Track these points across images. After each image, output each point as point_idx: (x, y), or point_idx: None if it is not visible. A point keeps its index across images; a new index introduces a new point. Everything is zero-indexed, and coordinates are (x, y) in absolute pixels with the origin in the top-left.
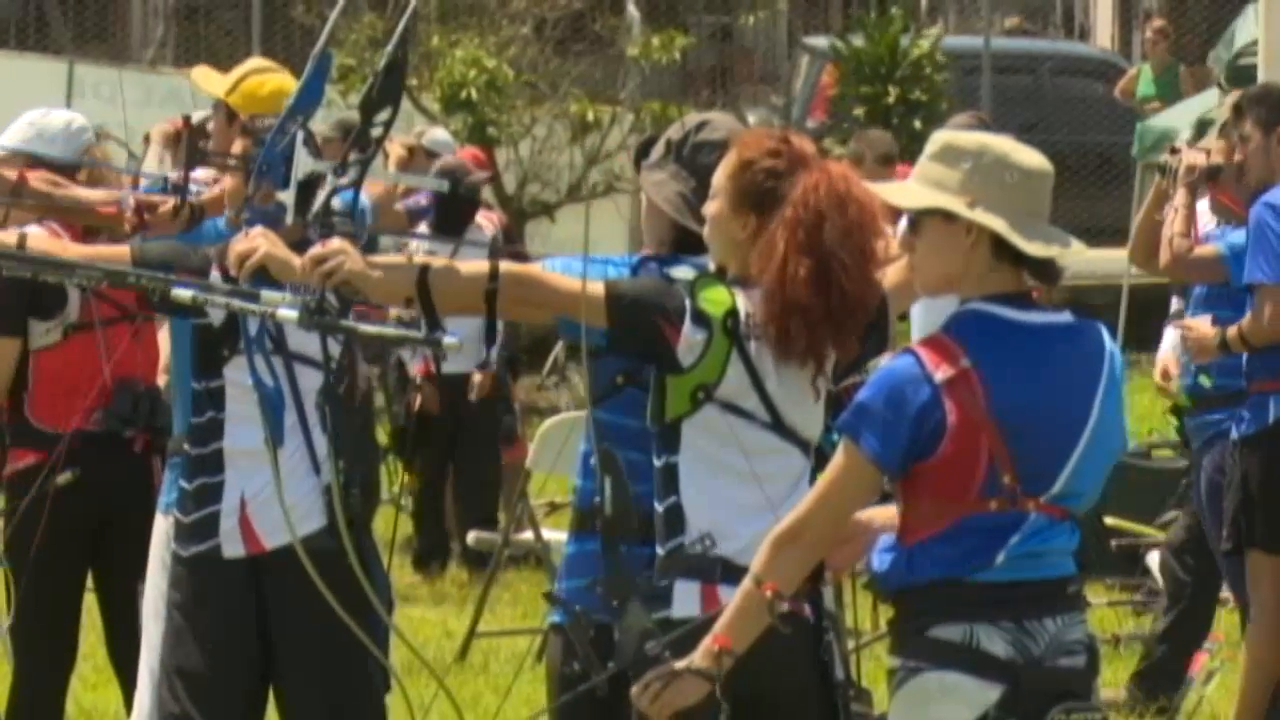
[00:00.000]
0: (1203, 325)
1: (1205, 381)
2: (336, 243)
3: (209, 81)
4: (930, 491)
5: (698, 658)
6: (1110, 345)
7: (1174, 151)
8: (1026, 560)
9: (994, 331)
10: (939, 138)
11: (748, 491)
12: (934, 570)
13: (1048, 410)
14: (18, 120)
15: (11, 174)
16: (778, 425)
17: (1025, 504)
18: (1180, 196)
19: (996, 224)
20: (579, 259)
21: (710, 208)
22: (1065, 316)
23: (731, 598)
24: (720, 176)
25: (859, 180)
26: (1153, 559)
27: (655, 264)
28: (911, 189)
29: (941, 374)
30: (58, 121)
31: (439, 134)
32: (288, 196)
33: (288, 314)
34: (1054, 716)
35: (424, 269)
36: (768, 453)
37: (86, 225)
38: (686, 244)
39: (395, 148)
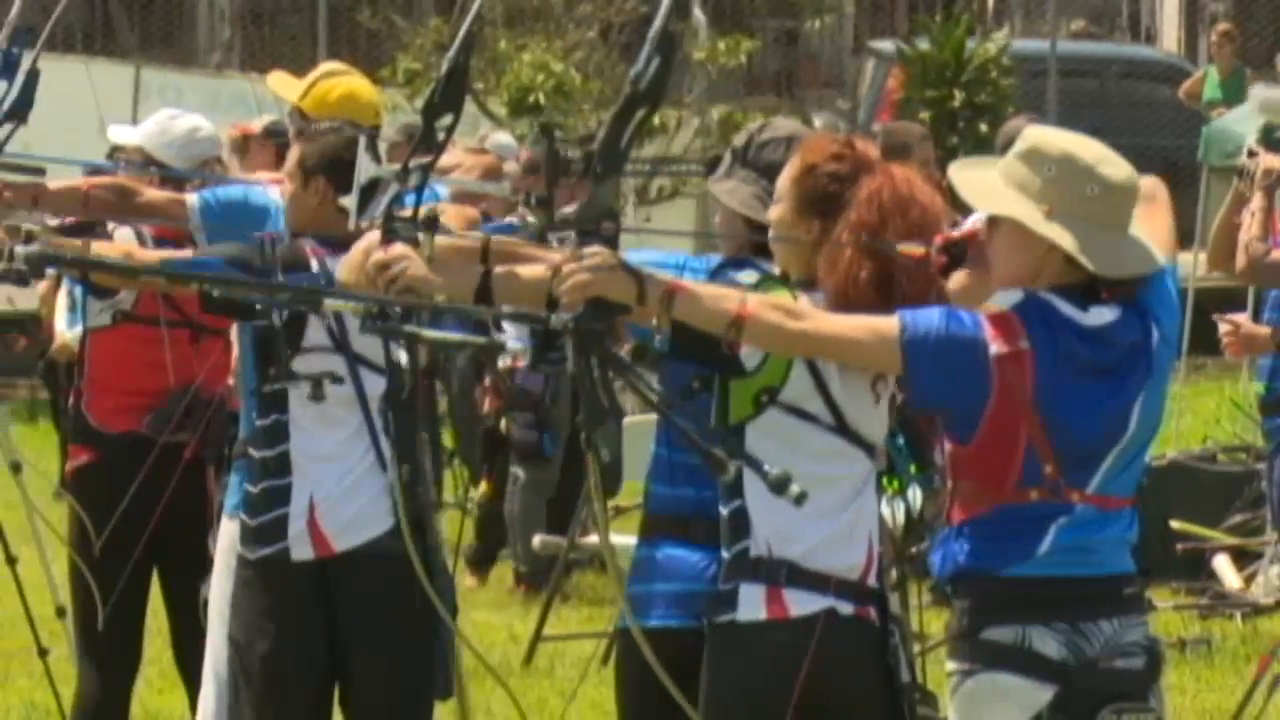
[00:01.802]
0: (1247, 321)
1: (1259, 389)
2: (399, 248)
3: (284, 87)
4: (969, 475)
5: (648, 275)
6: (1155, 335)
7: (1251, 154)
8: (1074, 554)
9: (1053, 325)
10: (1029, 136)
11: (812, 494)
12: (982, 559)
13: (1095, 406)
14: (156, 114)
15: (83, 184)
16: (842, 428)
17: (1069, 495)
18: (1257, 200)
19: (1066, 242)
20: (648, 253)
21: (774, 212)
22: (1115, 313)
23: (797, 601)
24: (784, 181)
25: (922, 183)
26: (1219, 563)
27: (733, 268)
28: (992, 189)
29: (997, 347)
30: (182, 126)
31: (502, 138)
32: (350, 201)
33: (338, 303)
34: (1104, 717)
35: (486, 273)
36: (832, 456)
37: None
38: (764, 245)
39: (457, 152)
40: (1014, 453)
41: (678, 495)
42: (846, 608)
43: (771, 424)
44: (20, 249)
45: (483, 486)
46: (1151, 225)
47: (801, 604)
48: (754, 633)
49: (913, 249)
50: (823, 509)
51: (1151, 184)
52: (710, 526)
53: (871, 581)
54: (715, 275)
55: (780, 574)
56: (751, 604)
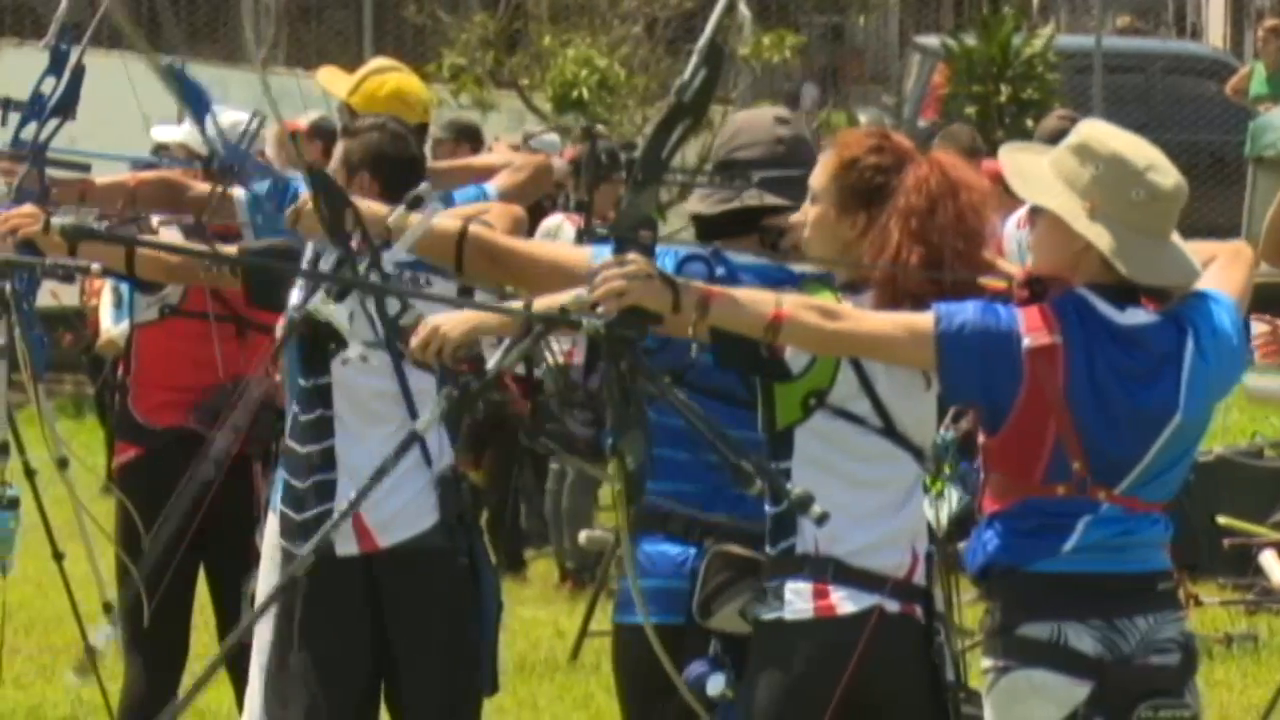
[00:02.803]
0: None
1: None
2: (430, 322)
3: (333, 83)
4: (998, 467)
5: (683, 283)
6: (1190, 348)
7: None
8: (1104, 552)
9: (1088, 322)
10: (1083, 129)
11: (860, 497)
12: (1009, 553)
13: (1126, 405)
14: None
15: (130, 179)
16: (890, 431)
17: (1095, 493)
18: None
19: (1103, 243)
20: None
21: (811, 212)
22: (1153, 316)
23: (845, 599)
24: (821, 179)
25: (967, 167)
26: (1266, 558)
27: (701, 262)
28: (1040, 178)
29: (1031, 339)
30: (223, 122)
31: (546, 136)
32: (356, 353)
33: (427, 419)
34: (1141, 713)
35: (528, 308)
36: (880, 458)
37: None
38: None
39: (500, 147)
40: (1042, 446)
41: (657, 488)
42: (893, 605)
43: (819, 427)
44: (56, 221)
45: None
46: (1227, 274)
47: (849, 601)
48: (801, 630)
49: (994, 283)
50: (870, 511)
51: (1238, 246)
52: (688, 521)
53: (917, 579)
54: (684, 265)
55: (827, 571)
56: (799, 601)
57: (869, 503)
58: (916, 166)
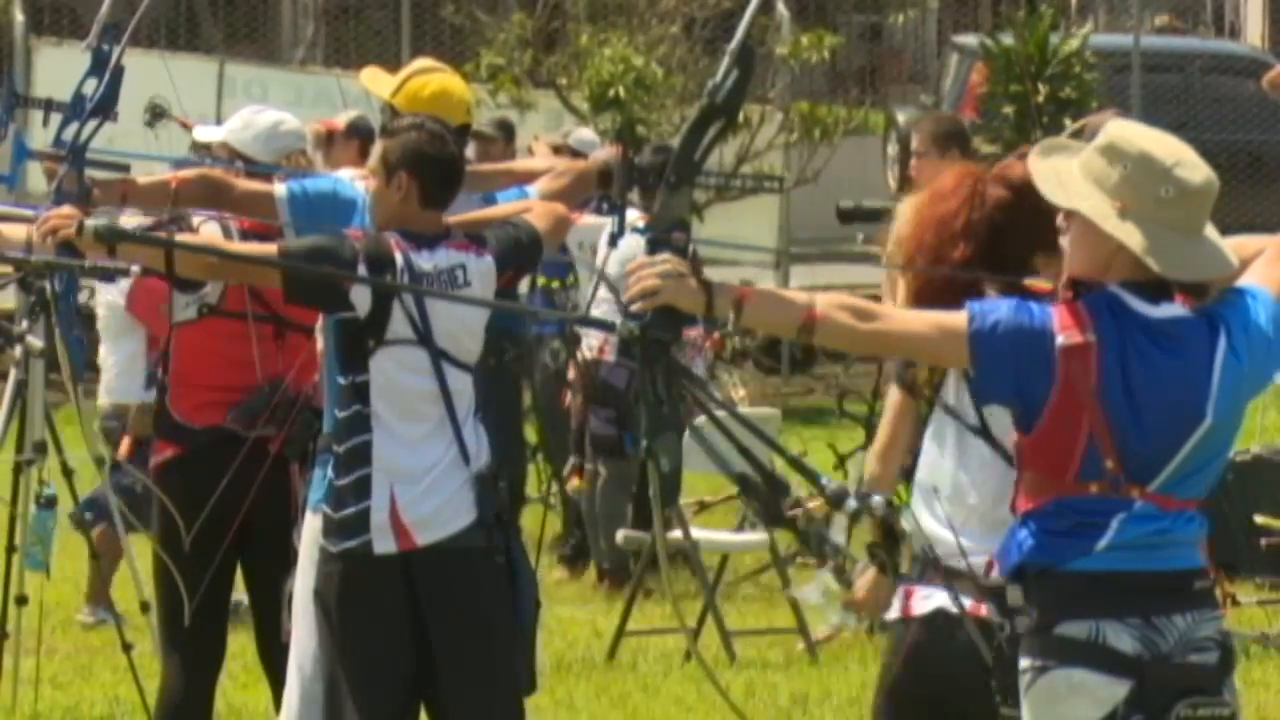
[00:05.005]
0: None
1: None
2: None
3: (376, 83)
4: (1031, 466)
5: (718, 284)
6: (1222, 344)
7: None
8: (1140, 550)
9: (1120, 318)
10: (1110, 130)
11: (952, 500)
12: (1044, 552)
13: (1158, 402)
14: (240, 110)
15: (171, 179)
16: (984, 432)
17: (1129, 491)
18: None
19: (1135, 242)
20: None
21: None
22: (1187, 311)
23: (921, 600)
24: None
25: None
26: None
27: None
28: (1069, 181)
29: (1065, 338)
30: (265, 120)
31: (585, 133)
32: None
33: None
34: (1179, 711)
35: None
36: (980, 463)
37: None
38: None
39: (540, 147)
40: (1075, 444)
41: None
42: (963, 603)
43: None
44: (89, 222)
45: (575, 481)
46: (1271, 269)
47: (925, 602)
48: (894, 630)
49: (1040, 284)
50: (962, 514)
51: None
52: None
53: (995, 577)
54: None
55: (916, 572)
56: (896, 602)
57: (961, 504)
58: None
